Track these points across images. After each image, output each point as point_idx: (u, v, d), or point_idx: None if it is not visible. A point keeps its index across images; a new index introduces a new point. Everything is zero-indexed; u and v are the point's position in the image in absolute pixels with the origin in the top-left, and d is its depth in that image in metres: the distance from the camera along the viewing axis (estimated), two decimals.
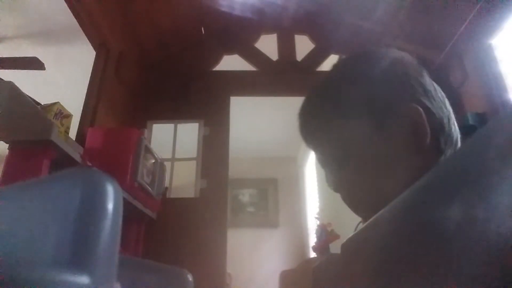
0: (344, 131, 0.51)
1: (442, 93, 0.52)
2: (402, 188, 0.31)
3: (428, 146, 0.45)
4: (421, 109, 0.46)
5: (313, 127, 0.58)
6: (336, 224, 2.37)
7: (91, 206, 0.51)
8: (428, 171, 0.28)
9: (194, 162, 2.04)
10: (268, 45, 2.26)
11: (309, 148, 0.61)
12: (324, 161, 0.57)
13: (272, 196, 4.54)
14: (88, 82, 1.74)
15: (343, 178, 0.53)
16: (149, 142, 2.00)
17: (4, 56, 2.16)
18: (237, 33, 2.26)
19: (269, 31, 2.30)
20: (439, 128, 0.47)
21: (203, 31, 2.23)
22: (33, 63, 2.14)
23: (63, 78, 3.09)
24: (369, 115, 0.49)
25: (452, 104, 0.52)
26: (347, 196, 0.54)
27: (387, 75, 0.50)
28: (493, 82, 1.53)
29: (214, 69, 2.27)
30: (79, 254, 0.47)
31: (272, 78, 2.21)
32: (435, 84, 0.52)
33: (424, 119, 0.46)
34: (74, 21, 1.64)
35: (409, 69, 0.51)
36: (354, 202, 0.53)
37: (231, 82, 2.21)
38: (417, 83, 0.49)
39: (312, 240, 2.82)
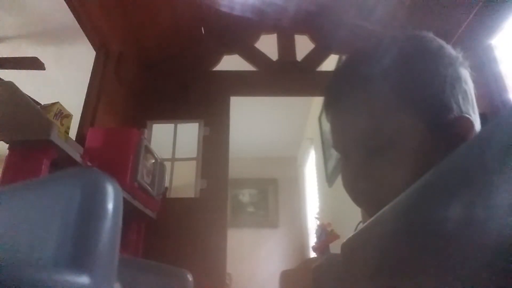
0: (392, 120, 0.47)
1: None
2: None
3: None
4: (472, 123, 0.45)
5: (356, 100, 0.51)
6: (336, 224, 2.36)
7: (91, 206, 0.51)
8: None
9: (194, 162, 2.04)
10: (268, 45, 2.26)
11: (332, 121, 0.55)
12: (347, 144, 0.52)
13: (272, 196, 4.54)
14: (88, 82, 1.74)
15: (369, 165, 0.49)
16: (149, 142, 2.00)
17: (4, 56, 2.16)
18: (237, 33, 2.26)
19: (269, 31, 2.30)
20: None
21: (203, 31, 2.23)
22: (33, 63, 2.14)
23: (63, 78, 3.09)
24: (424, 113, 0.46)
25: None
26: (364, 185, 0.50)
27: (450, 78, 0.48)
28: (493, 82, 1.53)
29: (214, 69, 2.27)
30: (79, 254, 0.47)
31: (272, 78, 2.21)
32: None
33: (473, 134, 0.45)
34: (74, 21, 1.64)
35: (466, 75, 0.50)
36: (371, 193, 0.49)
37: (231, 82, 2.21)
38: (469, 91, 0.49)
39: (312, 240, 2.82)
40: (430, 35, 0.53)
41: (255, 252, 4.02)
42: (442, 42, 0.52)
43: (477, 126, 0.47)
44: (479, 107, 0.51)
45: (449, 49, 0.52)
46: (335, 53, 2.37)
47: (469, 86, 0.50)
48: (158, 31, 2.06)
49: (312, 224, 3.55)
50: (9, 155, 1.11)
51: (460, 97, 0.47)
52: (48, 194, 0.55)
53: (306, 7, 2.13)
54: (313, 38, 2.28)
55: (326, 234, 2.26)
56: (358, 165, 0.50)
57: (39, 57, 2.14)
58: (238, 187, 4.48)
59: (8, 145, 1.12)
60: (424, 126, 0.46)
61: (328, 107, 0.56)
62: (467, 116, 0.46)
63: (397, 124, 0.47)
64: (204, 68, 2.26)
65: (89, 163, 1.32)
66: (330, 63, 2.59)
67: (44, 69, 2.18)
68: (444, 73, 0.48)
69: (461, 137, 0.45)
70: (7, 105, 1.09)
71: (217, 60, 2.27)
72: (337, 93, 0.54)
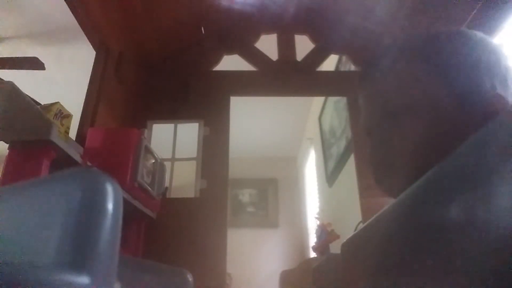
0: (421, 84, 0.49)
1: None
2: None
3: None
4: (506, 100, 0.45)
5: (392, 72, 0.53)
6: (336, 224, 2.37)
7: (91, 206, 0.51)
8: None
9: (194, 162, 2.04)
10: (268, 45, 2.26)
11: (366, 93, 0.57)
12: (376, 112, 0.53)
13: (272, 196, 4.54)
14: (88, 82, 1.74)
15: (393, 131, 0.50)
16: (149, 142, 2.00)
17: (4, 56, 2.16)
18: (237, 33, 2.26)
19: (269, 31, 2.30)
20: None
21: (203, 31, 2.23)
22: (33, 63, 2.14)
23: (63, 78, 3.09)
24: (456, 87, 0.47)
25: None
26: (387, 153, 0.50)
27: (487, 59, 0.49)
28: None
29: (214, 69, 2.27)
30: (79, 254, 0.47)
31: (272, 78, 2.21)
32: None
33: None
34: (74, 21, 1.64)
35: (502, 56, 0.50)
36: (394, 164, 0.50)
37: (231, 82, 2.21)
38: (509, 77, 0.49)
39: (312, 240, 2.82)
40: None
41: (255, 252, 4.02)
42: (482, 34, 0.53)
43: None
44: None
45: (489, 38, 0.53)
46: (335, 53, 2.37)
47: (510, 74, 0.50)
48: (158, 31, 2.06)
49: (312, 224, 3.55)
50: (9, 155, 1.11)
51: (496, 80, 0.48)
52: (48, 194, 0.55)
53: (306, 7, 2.13)
54: (313, 38, 2.28)
55: (326, 234, 2.26)
56: (383, 132, 0.51)
57: (39, 57, 2.14)
58: (238, 187, 4.48)
59: (8, 145, 1.12)
60: (454, 98, 0.47)
61: (365, 78, 0.58)
62: (500, 93, 0.46)
63: (429, 90, 0.48)
64: (204, 68, 2.26)
65: (89, 163, 1.32)
66: (330, 63, 2.59)
67: (44, 69, 2.18)
68: (479, 54, 0.49)
69: (494, 113, 0.44)
70: (7, 105, 1.09)
71: (217, 60, 2.27)
72: (377, 68, 0.56)
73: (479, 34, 0.52)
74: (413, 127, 0.47)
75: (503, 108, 0.45)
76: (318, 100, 3.49)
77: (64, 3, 1.54)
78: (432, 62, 0.50)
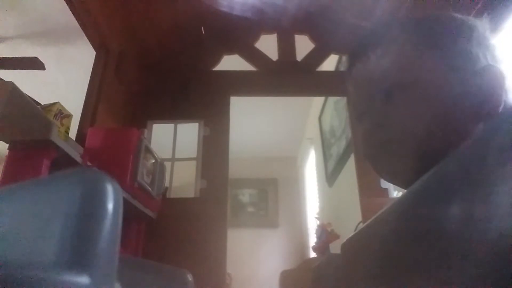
0: (418, 61, 0.48)
1: None
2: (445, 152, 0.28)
3: (487, 118, 0.42)
4: (502, 72, 0.45)
5: (386, 49, 0.52)
6: (336, 224, 2.37)
7: (91, 206, 0.51)
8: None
9: (194, 162, 2.04)
10: (268, 45, 2.26)
11: (358, 72, 0.56)
12: (369, 93, 0.52)
13: (272, 196, 4.54)
14: (88, 82, 1.74)
15: (389, 112, 0.48)
16: (149, 142, 2.00)
17: (4, 56, 2.16)
18: (237, 33, 2.26)
19: (269, 31, 2.30)
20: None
21: (203, 31, 2.23)
22: (33, 63, 2.14)
23: (63, 78, 3.09)
24: (451, 60, 0.47)
25: None
26: (384, 136, 0.48)
27: (477, 34, 0.49)
28: None
29: (214, 69, 2.27)
30: (79, 254, 0.47)
31: (272, 78, 2.21)
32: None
33: (505, 84, 0.44)
34: (74, 21, 1.64)
35: (487, 32, 0.51)
36: (392, 147, 0.47)
37: (231, 82, 2.21)
38: (498, 53, 0.49)
39: (312, 240, 2.82)
40: None
41: (255, 252, 4.02)
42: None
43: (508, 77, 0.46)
44: None
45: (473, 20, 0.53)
46: (335, 53, 2.37)
47: (497, 48, 0.50)
48: (158, 31, 2.06)
49: (312, 224, 3.55)
50: (9, 155, 1.11)
51: (488, 53, 0.48)
52: (48, 194, 0.55)
53: (306, 7, 2.12)
54: (313, 38, 2.28)
55: (326, 234, 2.26)
56: (378, 114, 0.49)
57: (39, 57, 2.14)
58: (238, 187, 4.48)
59: (8, 145, 1.12)
60: (450, 72, 0.46)
61: (354, 59, 0.56)
62: (495, 65, 0.46)
63: (423, 65, 0.47)
64: (204, 68, 2.26)
65: (89, 163, 1.32)
66: (330, 63, 2.59)
67: (44, 69, 2.18)
68: (468, 31, 0.49)
69: (491, 84, 0.44)
70: (7, 105, 1.09)
71: (217, 60, 2.27)
72: (368, 46, 0.55)
73: (464, 16, 0.52)
74: (411, 105, 0.46)
75: (496, 79, 0.45)
76: (318, 100, 3.49)
77: (64, 3, 1.54)
78: (425, 40, 0.49)
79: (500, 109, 0.43)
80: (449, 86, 0.45)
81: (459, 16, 0.52)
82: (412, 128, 0.45)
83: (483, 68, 0.46)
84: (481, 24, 0.51)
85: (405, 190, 0.48)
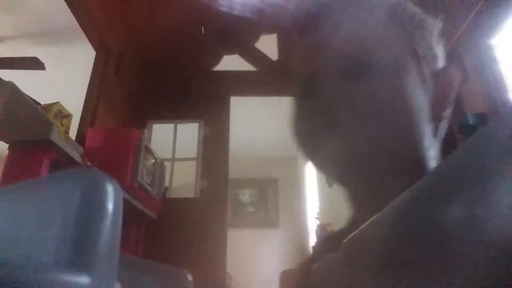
0: (382, 39, 0.44)
1: None
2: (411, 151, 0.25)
3: (436, 120, 0.42)
4: (460, 74, 0.44)
5: (347, 19, 0.49)
6: (336, 224, 2.36)
7: (91, 206, 0.51)
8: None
9: (194, 162, 2.04)
10: (268, 45, 2.26)
11: (311, 38, 0.49)
12: (323, 64, 0.46)
13: (272, 196, 4.54)
14: (88, 82, 1.74)
15: (349, 89, 0.41)
16: (149, 142, 2.00)
17: (4, 56, 2.16)
18: (237, 33, 2.26)
19: (269, 31, 2.30)
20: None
21: (203, 30, 2.23)
22: (33, 63, 2.14)
23: (63, 78, 3.09)
24: (414, 48, 0.44)
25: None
26: (344, 115, 0.41)
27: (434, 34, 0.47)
28: (493, 82, 1.53)
29: (214, 69, 2.27)
30: (79, 254, 0.47)
31: (272, 78, 2.21)
32: None
33: (457, 88, 0.43)
34: (74, 21, 1.64)
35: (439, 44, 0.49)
36: (353, 128, 0.41)
37: (231, 82, 2.22)
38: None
39: (312, 240, 2.82)
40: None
41: (255, 252, 4.01)
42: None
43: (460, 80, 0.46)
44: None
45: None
46: None
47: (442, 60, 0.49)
48: (158, 31, 2.06)
49: (312, 224, 3.55)
50: (9, 155, 1.11)
51: (442, 54, 0.47)
52: (48, 194, 0.55)
53: (306, 7, 2.12)
54: None
55: (326, 234, 2.26)
56: (335, 89, 0.42)
57: (39, 57, 2.14)
58: (238, 187, 4.48)
59: (8, 145, 1.12)
60: (411, 56, 0.44)
61: (308, 25, 0.51)
62: (456, 69, 0.45)
63: (389, 46, 0.44)
64: (204, 68, 2.26)
65: (89, 163, 1.32)
66: None
67: (44, 69, 2.18)
68: (433, 24, 0.47)
69: (446, 85, 0.43)
70: (7, 105, 1.09)
71: (217, 60, 2.27)
72: (325, 12, 0.51)
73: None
74: (372, 87, 0.41)
75: (452, 80, 0.44)
76: None
77: (64, 3, 1.54)
78: (391, 21, 0.47)
79: (447, 111, 0.42)
80: (412, 75, 0.43)
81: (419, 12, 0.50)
82: (370, 113, 0.40)
83: (444, 68, 0.45)
84: (438, 24, 0.49)
85: (338, 183, 0.46)
